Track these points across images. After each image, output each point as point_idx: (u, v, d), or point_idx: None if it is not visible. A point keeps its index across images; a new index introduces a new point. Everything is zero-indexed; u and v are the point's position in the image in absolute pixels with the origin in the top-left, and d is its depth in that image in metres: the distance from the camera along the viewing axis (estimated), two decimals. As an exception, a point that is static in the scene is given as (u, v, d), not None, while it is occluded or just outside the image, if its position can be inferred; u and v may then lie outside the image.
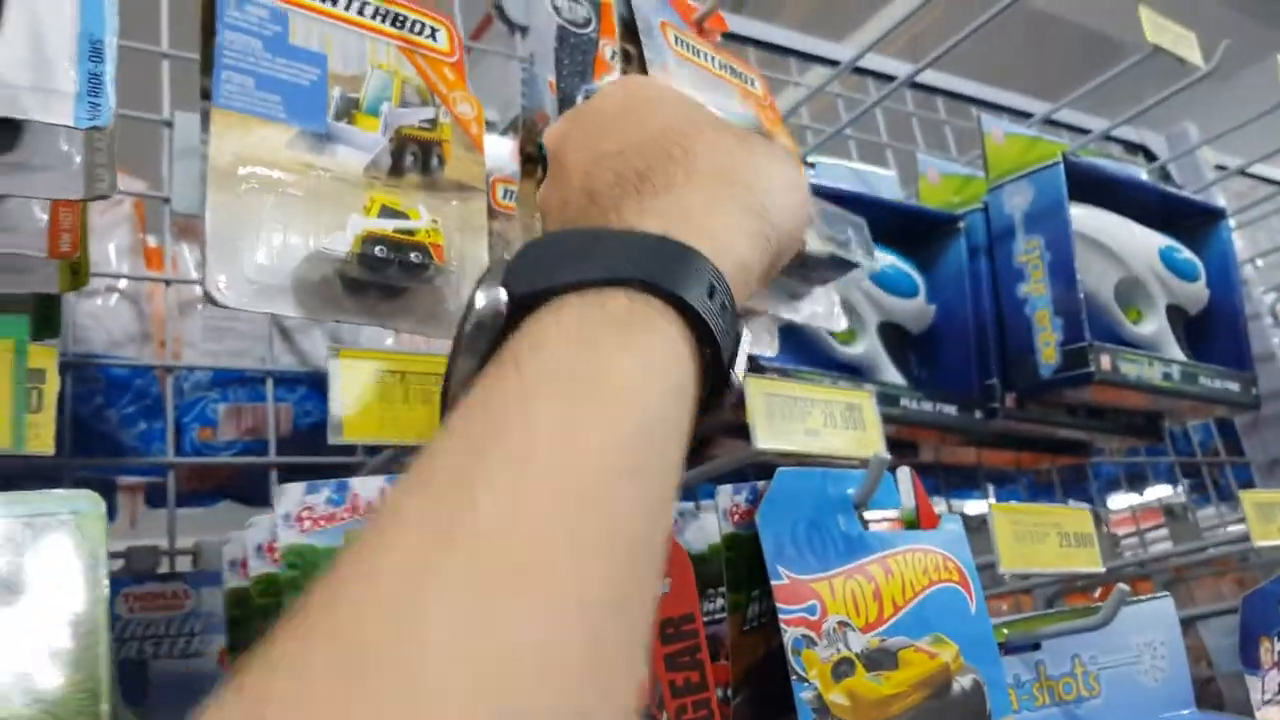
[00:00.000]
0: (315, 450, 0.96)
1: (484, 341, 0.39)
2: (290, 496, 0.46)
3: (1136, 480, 1.66)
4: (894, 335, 1.06)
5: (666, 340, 0.38)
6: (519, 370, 0.35)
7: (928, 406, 1.01)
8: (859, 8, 3.18)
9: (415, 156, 0.62)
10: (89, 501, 0.39)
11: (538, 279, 0.39)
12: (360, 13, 0.67)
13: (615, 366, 0.36)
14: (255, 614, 0.47)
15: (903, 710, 0.55)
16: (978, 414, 1.05)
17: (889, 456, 0.58)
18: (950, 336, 1.07)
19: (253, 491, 1.12)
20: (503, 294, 0.39)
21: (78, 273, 0.58)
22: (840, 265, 0.73)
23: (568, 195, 0.49)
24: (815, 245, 0.71)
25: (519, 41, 1.25)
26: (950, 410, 1.03)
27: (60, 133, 0.49)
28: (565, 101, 0.87)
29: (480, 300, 0.39)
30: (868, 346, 1.04)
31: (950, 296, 1.07)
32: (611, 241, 0.40)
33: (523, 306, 0.38)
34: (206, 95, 0.61)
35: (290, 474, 0.84)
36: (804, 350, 1.02)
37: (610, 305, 0.37)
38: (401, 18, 0.69)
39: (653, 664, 0.50)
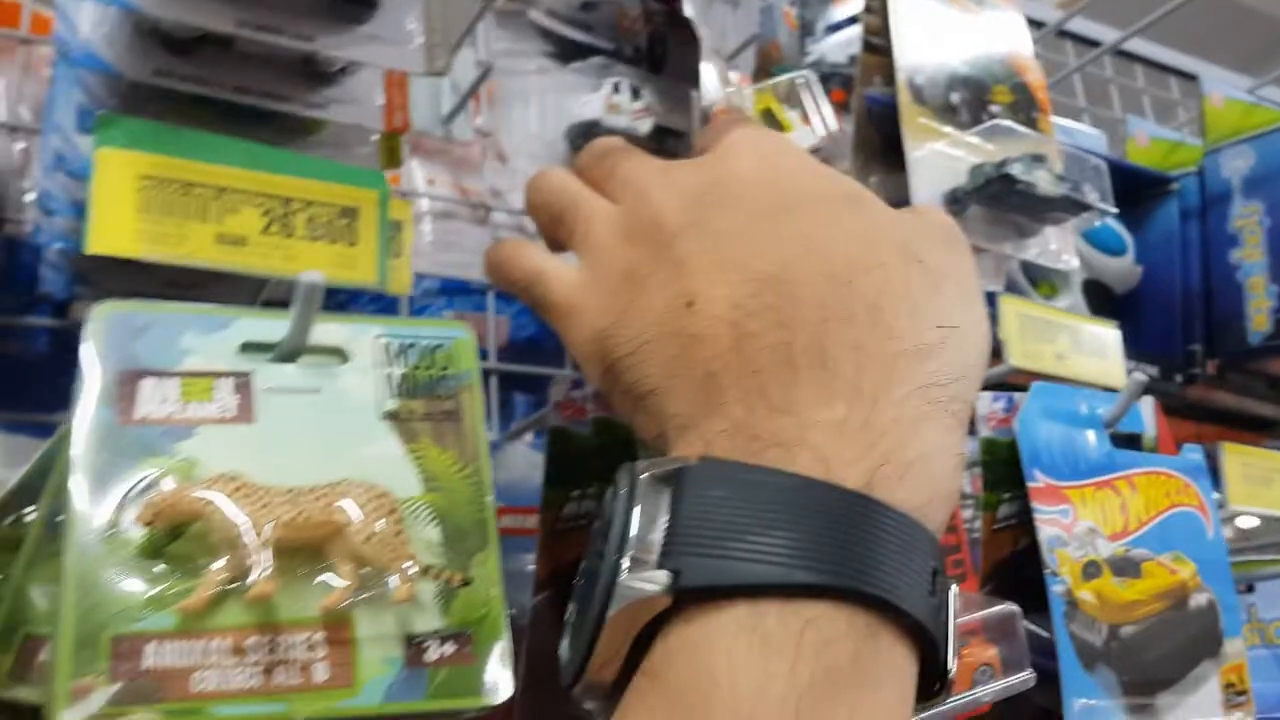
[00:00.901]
0: (528, 360, 1.01)
1: (633, 629, 0.30)
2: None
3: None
4: (1098, 293, 1.06)
5: (894, 684, 0.30)
6: None
7: (1129, 365, 1.01)
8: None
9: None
10: (463, 330, 0.44)
11: (718, 565, 0.29)
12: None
13: None
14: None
15: (1144, 616, 0.57)
16: (1177, 378, 1.05)
17: (1146, 379, 0.60)
18: (1155, 299, 1.07)
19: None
20: (663, 579, 0.29)
21: (393, 154, 0.63)
22: (1074, 206, 0.73)
23: (702, 328, 0.33)
24: (1049, 186, 0.71)
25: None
26: (1151, 371, 1.03)
27: (409, 11, 0.54)
28: (805, 30, 0.90)
29: (629, 577, 0.29)
30: (1071, 303, 1.04)
31: (1158, 258, 1.07)
32: (810, 512, 0.29)
33: (691, 594, 0.29)
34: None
35: (507, 381, 0.89)
36: (1004, 301, 1.03)
37: (824, 631, 0.28)
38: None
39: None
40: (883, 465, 0.30)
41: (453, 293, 1.03)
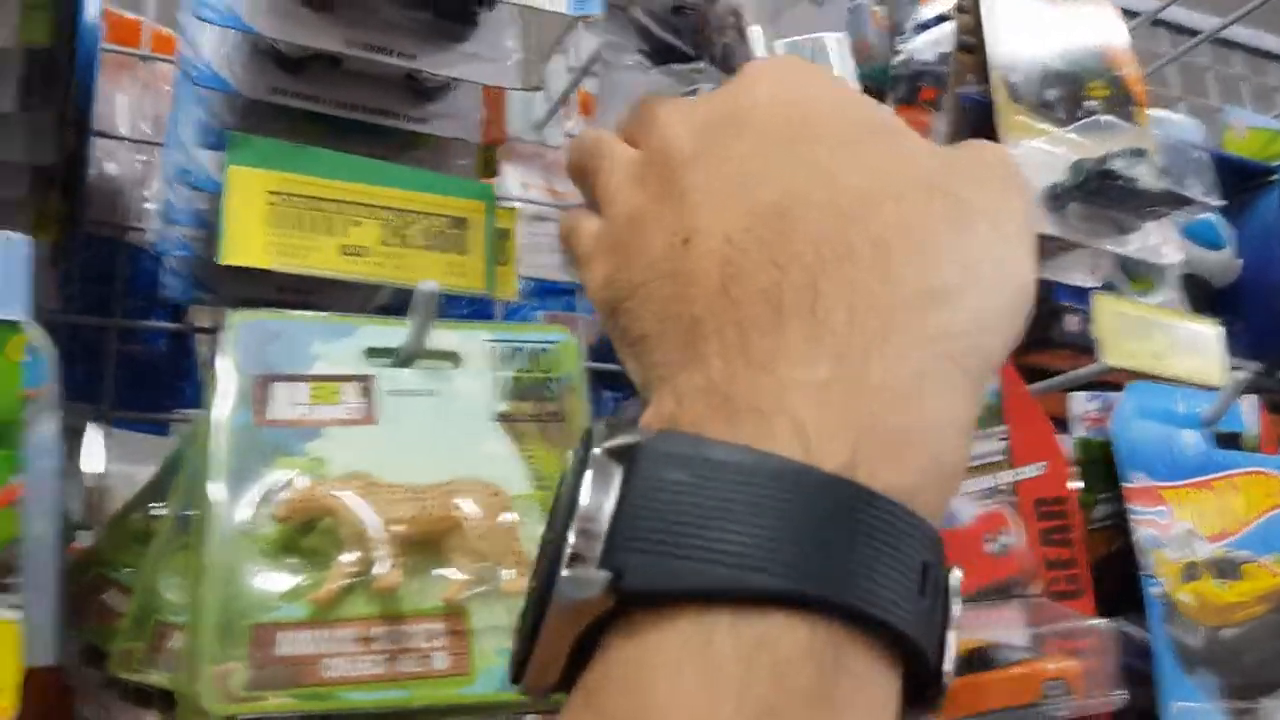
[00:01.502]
0: (615, 359, 1.03)
1: (572, 632, 0.26)
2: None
3: None
4: (1197, 288, 1.04)
5: (864, 704, 0.25)
6: None
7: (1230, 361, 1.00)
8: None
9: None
10: (566, 334, 0.46)
11: (665, 566, 0.25)
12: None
13: None
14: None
15: (1245, 619, 0.56)
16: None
17: (1245, 378, 0.59)
18: (1256, 293, 1.04)
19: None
20: (603, 579, 0.25)
21: (489, 164, 0.65)
22: (1177, 201, 0.72)
23: (694, 267, 0.30)
24: (1151, 181, 0.71)
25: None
26: (1253, 368, 1.01)
27: (507, 29, 0.56)
28: (897, 30, 0.90)
29: (568, 576, 0.25)
30: (1167, 298, 1.02)
31: (1258, 251, 1.04)
32: (776, 502, 0.25)
33: (634, 599, 0.25)
34: None
35: (595, 378, 0.91)
36: (1096, 297, 1.02)
37: (782, 648, 0.24)
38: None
39: (1029, 538, 0.53)
40: (871, 438, 0.26)
41: (543, 294, 1.05)
